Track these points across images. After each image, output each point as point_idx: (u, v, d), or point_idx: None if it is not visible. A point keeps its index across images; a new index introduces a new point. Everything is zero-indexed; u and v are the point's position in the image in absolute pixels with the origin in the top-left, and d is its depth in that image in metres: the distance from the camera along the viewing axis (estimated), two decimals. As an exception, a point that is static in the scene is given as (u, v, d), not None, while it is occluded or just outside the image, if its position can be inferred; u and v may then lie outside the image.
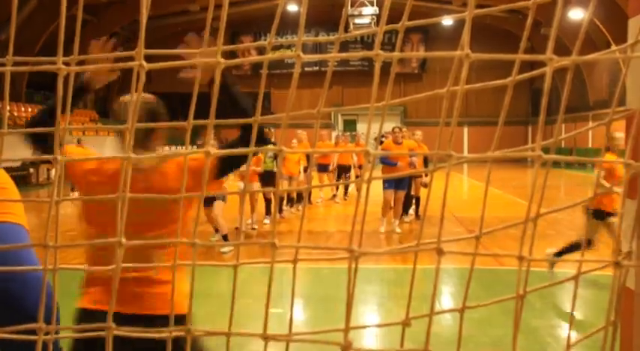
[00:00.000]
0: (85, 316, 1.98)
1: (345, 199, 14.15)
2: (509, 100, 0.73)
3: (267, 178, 9.38)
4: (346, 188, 14.75)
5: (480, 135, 32.57)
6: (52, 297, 0.82)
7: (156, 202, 1.96)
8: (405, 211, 10.29)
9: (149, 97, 2.11)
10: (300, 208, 11.67)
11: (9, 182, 1.78)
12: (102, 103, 30.72)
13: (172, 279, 1.52)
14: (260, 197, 9.97)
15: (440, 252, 0.68)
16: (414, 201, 10.58)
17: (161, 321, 1.89)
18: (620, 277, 0.67)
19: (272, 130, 11.32)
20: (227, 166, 2.10)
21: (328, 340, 0.78)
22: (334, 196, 14.24)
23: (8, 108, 21.47)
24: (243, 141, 2.01)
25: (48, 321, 0.74)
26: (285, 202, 11.34)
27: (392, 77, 0.66)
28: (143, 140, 2.02)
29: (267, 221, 10.00)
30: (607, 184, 5.84)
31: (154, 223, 1.99)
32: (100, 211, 2.05)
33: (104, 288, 1.98)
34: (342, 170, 13.72)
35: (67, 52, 0.73)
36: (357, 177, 14.95)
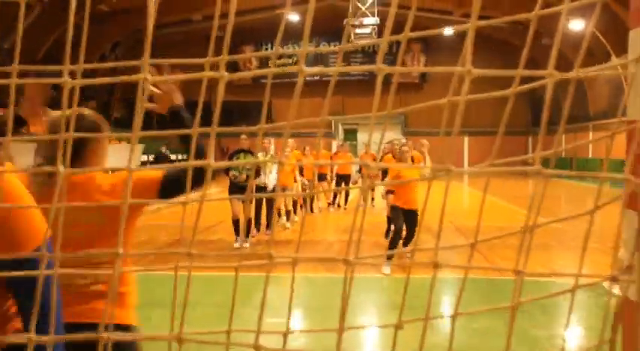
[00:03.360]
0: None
1: (345, 209, 14.10)
2: (510, 110, 0.74)
3: (242, 192, 8.29)
4: (346, 198, 14.70)
5: (480, 145, 32.60)
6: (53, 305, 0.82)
7: (89, 217, 1.99)
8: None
9: (88, 112, 2.10)
10: (297, 220, 11.52)
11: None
12: (103, 111, 30.79)
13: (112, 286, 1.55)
14: (242, 213, 8.61)
15: (436, 265, 0.69)
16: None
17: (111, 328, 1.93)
18: (621, 290, 0.67)
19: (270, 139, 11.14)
20: (172, 187, 2.06)
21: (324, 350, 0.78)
22: (329, 204, 14.06)
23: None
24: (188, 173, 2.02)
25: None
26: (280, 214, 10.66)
27: (393, 88, 0.67)
28: (73, 156, 2.02)
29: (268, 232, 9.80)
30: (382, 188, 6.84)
31: (91, 238, 2.00)
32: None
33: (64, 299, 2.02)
34: (341, 179, 13.67)
35: (73, 60, 0.74)
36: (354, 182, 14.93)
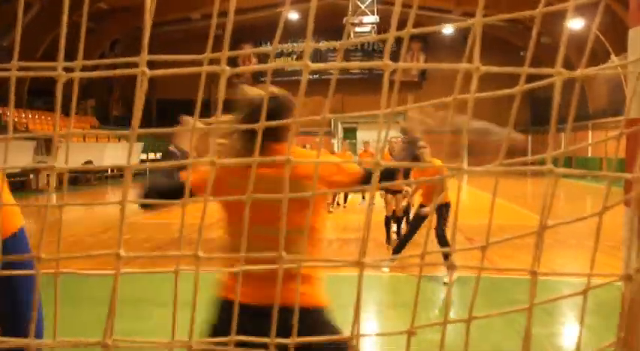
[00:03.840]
0: (226, 306, 2.05)
1: (345, 207, 14.11)
2: (515, 110, 0.73)
3: None
4: (345, 196, 14.69)
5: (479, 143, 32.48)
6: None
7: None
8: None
9: (278, 91, 2.14)
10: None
11: None
12: (102, 109, 30.75)
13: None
14: None
15: (452, 267, 0.68)
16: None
17: (301, 312, 1.93)
18: (632, 291, 0.66)
19: None
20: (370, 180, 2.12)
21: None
22: (328, 204, 14.04)
23: (9, 113, 21.47)
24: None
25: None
26: None
27: (397, 86, 0.66)
28: (275, 133, 2.06)
29: None
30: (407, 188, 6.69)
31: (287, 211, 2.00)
32: (240, 214, 2.09)
33: (250, 281, 1.97)
34: None
35: (71, 58, 0.73)
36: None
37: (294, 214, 1.97)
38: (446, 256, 6.31)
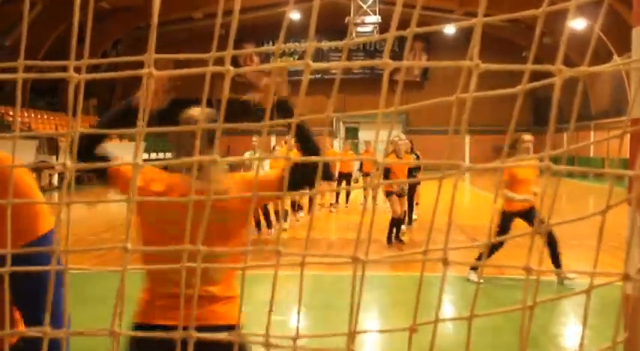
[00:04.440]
0: (145, 331, 1.96)
1: (346, 207, 14.02)
2: (513, 109, 0.73)
3: None
4: (347, 196, 14.62)
5: (479, 143, 32.54)
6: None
7: (212, 216, 1.95)
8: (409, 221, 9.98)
9: (211, 111, 2.12)
10: (299, 217, 11.47)
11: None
12: (104, 108, 30.80)
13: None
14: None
15: (445, 262, 0.68)
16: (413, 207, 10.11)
17: (221, 330, 1.93)
18: (634, 290, 0.67)
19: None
20: (297, 180, 2.06)
21: (331, 348, 0.78)
22: (331, 204, 13.74)
23: (11, 112, 21.54)
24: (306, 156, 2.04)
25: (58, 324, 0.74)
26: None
27: (400, 85, 0.67)
28: (205, 149, 2.03)
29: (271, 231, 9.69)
30: (511, 193, 6.13)
31: (210, 237, 1.97)
32: (156, 226, 2.08)
33: (166, 302, 1.99)
34: (343, 177, 13.58)
35: (75, 58, 0.73)
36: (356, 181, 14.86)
37: (213, 240, 1.98)
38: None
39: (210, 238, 2.00)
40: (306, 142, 2.07)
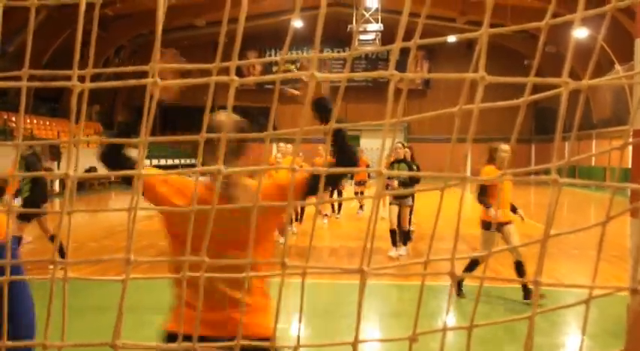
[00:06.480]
0: (170, 340, 1.89)
1: (337, 218, 13.58)
2: (515, 119, 0.73)
3: None
4: (339, 207, 14.29)
5: (481, 152, 32.53)
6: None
7: (240, 219, 1.90)
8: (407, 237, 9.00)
9: (237, 117, 2.09)
10: (295, 229, 11.21)
11: None
12: (107, 115, 30.87)
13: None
14: None
15: (452, 275, 0.68)
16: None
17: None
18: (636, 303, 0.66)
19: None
20: (317, 185, 1.98)
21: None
22: (325, 215, 13.36)
23: (14, 118, 21.59)
24: (341, 163, 1.95)
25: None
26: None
27: (404, 95, 0.67)
28: (231, 157, 2.00)
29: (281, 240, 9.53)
30: (486, 202, 6.16)
31: (237, 241, 1.93)
32: (184, 227, 2.06)
33: (193, 310, 1.97)
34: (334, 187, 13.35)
35: (79, 65, 0.74)
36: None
37: (242, 250, 1.96)
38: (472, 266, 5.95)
39: (240, 244, 1.99)
40: (343, 152, 1.97)
